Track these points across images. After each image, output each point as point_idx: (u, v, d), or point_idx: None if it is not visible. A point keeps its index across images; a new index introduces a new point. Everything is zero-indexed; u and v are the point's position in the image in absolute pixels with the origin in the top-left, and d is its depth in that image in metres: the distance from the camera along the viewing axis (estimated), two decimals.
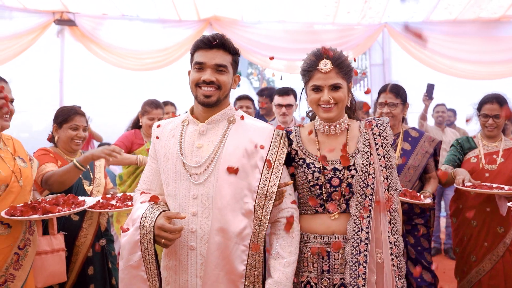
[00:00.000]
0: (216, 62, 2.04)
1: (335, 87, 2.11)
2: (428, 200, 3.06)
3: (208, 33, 6.77)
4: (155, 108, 4.13)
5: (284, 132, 2.20)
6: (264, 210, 1.99)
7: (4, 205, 2.42)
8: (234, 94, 6.83)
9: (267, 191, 2.01)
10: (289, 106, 4.14)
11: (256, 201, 2.00)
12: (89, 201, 2.73)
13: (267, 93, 5.46)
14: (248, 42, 6.54)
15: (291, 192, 2.14)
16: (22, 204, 2.48)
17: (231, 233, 1.96)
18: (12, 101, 2.60)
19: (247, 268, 1.99)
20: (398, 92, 3.25)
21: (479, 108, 3.39)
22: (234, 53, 2.10)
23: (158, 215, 1.97)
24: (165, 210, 2.03)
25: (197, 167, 2.05)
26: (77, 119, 3.09)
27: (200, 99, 2.05)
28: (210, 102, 2.04)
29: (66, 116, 3.09)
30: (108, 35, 6.37)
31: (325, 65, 2.12)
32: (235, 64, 2.12)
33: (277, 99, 4.19)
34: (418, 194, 3.14)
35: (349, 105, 2.22)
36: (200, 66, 2.05)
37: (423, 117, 5.34)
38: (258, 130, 2.12)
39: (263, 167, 2.04)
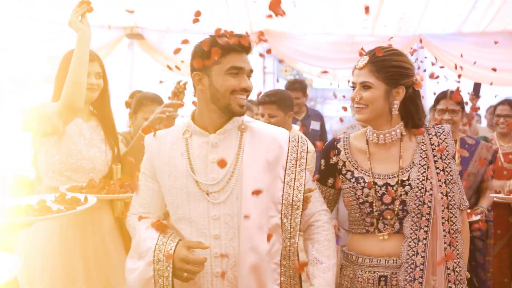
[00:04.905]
0: (251, 68, 1.86)
1: (365, 86, 1.92)
2: (478, 217, 2.99)
3: (260, 45, 7.49)
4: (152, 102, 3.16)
5: (299, 135, 1.98)
6: (292, 221, 1.80)
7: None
8: None
9: (292, 200, 1.81)
10: None
11: (283, 212, 1.81)
12: None
13: (298, 86, 4.95)
14: (296, 53, 7.23)
15: (318, 196, 1.99)
16: None
17: (262, 252, 1.76)
18: None
19: (281, 287, 1.81)
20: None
21: (493, 111, 3.96)
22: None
23: (176, 246, 1.75)
24: (180, 240, 1.79)
25: (214, 184, 1.82)
26: None
27: (235, 109, 1.83)
28: (244, 112, 1.86)
29: None
30: (172, 47, 7.14)
31: (362, 60, 1.94)
32: None
33: None
34: (471, 210, 3.05)
35: (391, 112, 1.96)
36: (237, 71, 1.82)
37: (471, 116, 5.40)
38: (274, 137, 1.92)
39: (285, 175, 1.85)
